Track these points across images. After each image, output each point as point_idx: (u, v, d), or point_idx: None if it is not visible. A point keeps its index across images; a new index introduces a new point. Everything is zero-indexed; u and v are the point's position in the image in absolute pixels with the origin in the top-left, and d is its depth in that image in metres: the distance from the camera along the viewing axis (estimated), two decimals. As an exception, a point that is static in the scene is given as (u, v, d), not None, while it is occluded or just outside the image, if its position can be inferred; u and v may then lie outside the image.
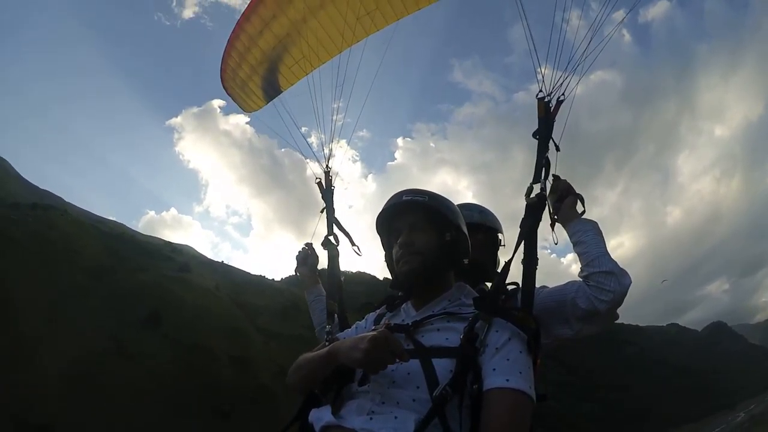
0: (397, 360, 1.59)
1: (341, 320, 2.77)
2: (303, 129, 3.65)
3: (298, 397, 1.93)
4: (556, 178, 2.31)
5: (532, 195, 2.17)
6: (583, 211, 2.24)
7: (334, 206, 3.23)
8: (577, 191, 2.28)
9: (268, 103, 4.14)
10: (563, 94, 2.33)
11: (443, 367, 1.64)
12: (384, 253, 2.14)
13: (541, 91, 2.33)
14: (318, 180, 3.35)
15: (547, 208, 2.21)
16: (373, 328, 1.93)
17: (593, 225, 2.17)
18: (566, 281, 2.12)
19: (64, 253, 40.94)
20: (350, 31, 3.66)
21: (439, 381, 1.59)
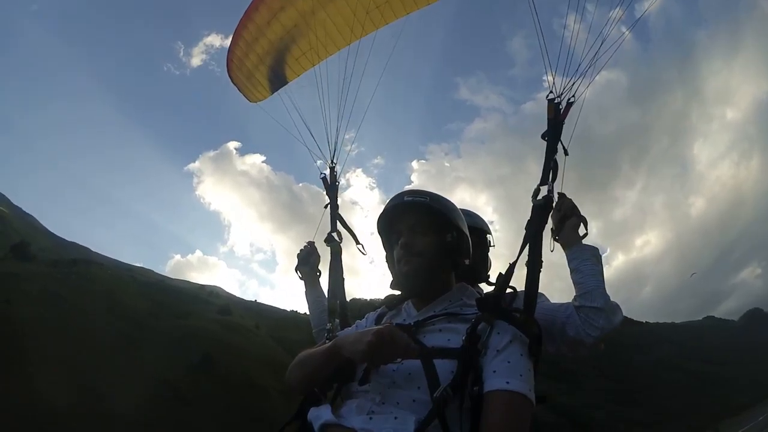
0: (400, 361, 1.61)
1: (342, 318, 2.75)
2: (309, 124, 3.58)
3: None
4: (561, 196, 2.28)
5: (539, 197, 2.16)
6: (585, 234, 2.21)
7: (338, 203, 3.20)
8: (581, 213, 2.25)
9: (273, 93, 4.09)
10: (573, 96, 2.31)
11: (444, 368, 1.63)
12: (385, 253, 2.13)
13: (551, 92, 2.31)
14: (323, 175, 3.31)
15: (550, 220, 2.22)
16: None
17: (593, 253, 2.15)
18: (562, 302, 2.13)
19: (109, 306, 42.48)
20: (359, 24, 3.60)
21: (440, 382, 1.59)
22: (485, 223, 2.75)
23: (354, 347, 1.59)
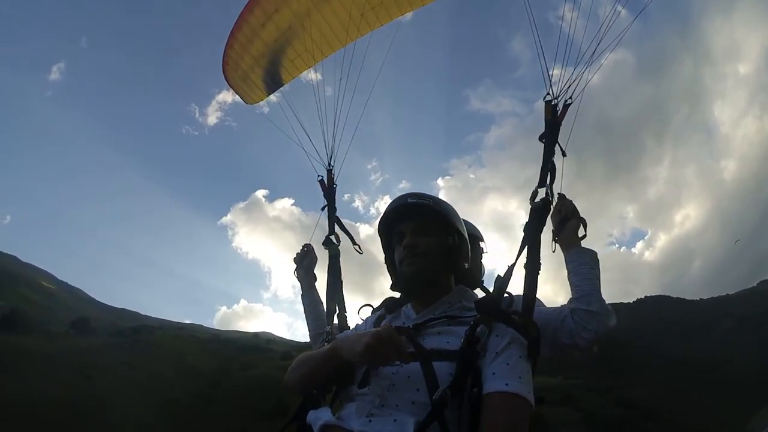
0: (398, 362, 1.61)
1: (341, 321, 2.76)
2: (306, 126, 3.56)
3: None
4: (561, 197, 2.30)
5: (537, 199, 2.18)
6: (584, 236, 2.23)
7: (336, 205, 3.20)
8: (581, 215, 2.26)
9: (269, 95, 4.09)
10: (570, 97, 2.31)
11: (443, 370, 1.64)
12: (384, 255, 2.12)
13: (548, 94, 2.32)
14: (320, 178, 3.30)
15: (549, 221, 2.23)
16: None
17: (591, 256, 2.17)
18: (557, 306, 2.15)
19: (178, 368, 43.87)
20: (354, 26, 3.60)
21: (439, 384, 1.60)
22: (477, 229, 2.77)
23: (353, 349, 1.63)
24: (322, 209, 3.20)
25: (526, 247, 2.05)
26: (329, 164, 3.31)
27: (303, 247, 3.18)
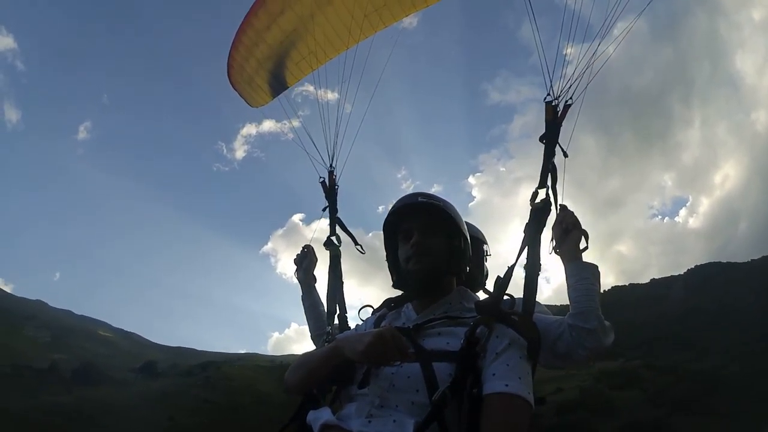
0: (399, 363, 1.62)
1: (342, 322, 2.77)
2: (306, 126, 3.60)
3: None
4: (563, 208, 2.26)
5: (538, 200, 2.17)
6: (586, 248, 2.20)
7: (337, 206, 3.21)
8: (583, 227, 2.22)
9: (274, 98, 4.09)
10: (571, 98, 2.31)
11: (443, 371, 1.64)
12: (386, 252, 2.12)
13: (548, 94, 2.32)
14: (321, 179, 3.30)
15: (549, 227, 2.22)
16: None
17: (592, 271, 2.13)
18: (557, 317, 2.13)
19: (254, 400, 44.40)
20: (357, 28, 3.59)
21: (439, 385, 1.60)
22: (481, 232, 2.77)
23: (354, 348, 1.63)
24: (323, 210, 3.21)
25: (526, 248, 2.05)
26: (331, 165, 3.32)
27: (303, 248, 3.20)
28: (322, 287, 3.07)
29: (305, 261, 3.14)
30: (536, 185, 2.22)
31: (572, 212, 2.24)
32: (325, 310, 2.89)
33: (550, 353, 2.03)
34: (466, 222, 2.61)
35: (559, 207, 2.24)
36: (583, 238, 2.20)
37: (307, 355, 1.97)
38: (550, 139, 2.26)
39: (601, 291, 2.16)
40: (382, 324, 1.98)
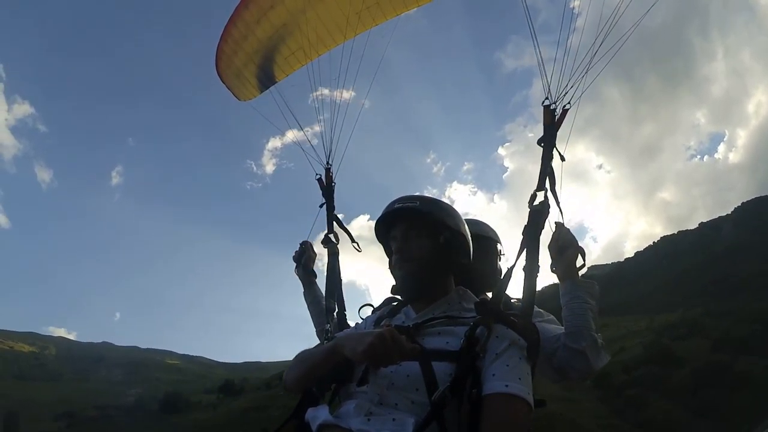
0: (399, 362, 1.59)
1: (340, 320, 2.75)
2: (302, 123, 3.53)
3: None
4: (558, 225, 2.24)
5: (536, 202, 2.17)
6: (583, 265, 2.19)
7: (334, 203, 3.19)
8: (579, 244, 2.18)
9: (262, 92, 4.05)
10: (569, 102, 2.32)
11: (443, 370, 1.64)
12: (387, 260, 2.11)
13: (547, 98, 2.32)
14: (318, 176, 3.28)
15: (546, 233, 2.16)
16: (374, 328, 1.91)
17: (586, 289, 2.12)
18: (558, 331, 2.13)
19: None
20: (349, 25, 3.58)
21: (439, 384, 1.60)
22: (493, 231, 2.70)
23: (354, 347, 1.60)
24: (320, 206, 3.19)
25: (525, 250, 2.05)
26: (327, 162, 3.30)
27: (300, 244, 3.18)
28: (322, 285, 3.04)
29: (303, 257, 3.13)
30: (536, 186, 2.22)
31: (568, 230, 2.23)
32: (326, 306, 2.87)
33: (548, 366, 2.05)
34: (476, 221, 2.63)
35: (555, 225, 2.23)
36: (579, 255, 2.18)
37: (306, 353, 1.94)
38: (548, 142, 2.27)
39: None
40: (383, 323, 1.95)
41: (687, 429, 27.73)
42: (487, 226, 2.69)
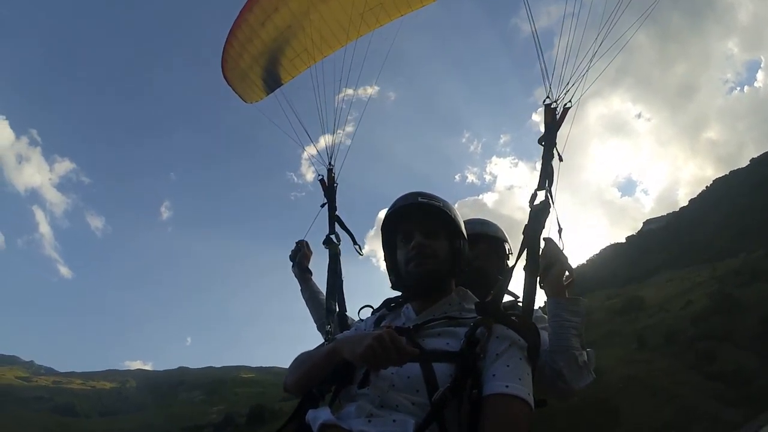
0: (400, 364, 1.59)
1: (341, 320, 2.74)
2: (305, 125, 3.56)
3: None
4: (547, 241, 2.14)
5: (537, 201, 2.16)
6: (571, 281, 2.11)
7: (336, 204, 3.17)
8: (567, 261, 2.12)
9: (268, 95, 4.06)
10: (570, 101, 2.31)
11: (443, 371, 1.64)
12: (384, 253, 2.09)
13: (548, 97, 2.32)
14: (321, 177, 3.27)
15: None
16: (374, 329, 1.91)
17: (567, 306, 2.04)
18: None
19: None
20: (353, 26, 3.58)
21: (439, 385, 1.60)
22: (501, 231, 2.69)
23: (354, 349, 1.60)
24: (322, 206, 3.18)
25: (525, 250, 2.05)
26: (330, 163, 3.30)
27: (296, 243, 3.19)
28: (321, 284, 3.03)
29: (298, 256, 3.14)
30: (537, 184, 2.21)
31: (555, 245, 2.15)
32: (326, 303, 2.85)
33: (539, 376, 1.98)
34: (484, 220, 2.67)
35: (543, 240, 2.13)
36: (567, 272, 2.11)
37: (306, 355, 1.94)
38: (549, 141, 2.26)
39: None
40: (382, 324, 1.96)
41: (759, 376, 27.77)
42: (496, 225, 2.70)
